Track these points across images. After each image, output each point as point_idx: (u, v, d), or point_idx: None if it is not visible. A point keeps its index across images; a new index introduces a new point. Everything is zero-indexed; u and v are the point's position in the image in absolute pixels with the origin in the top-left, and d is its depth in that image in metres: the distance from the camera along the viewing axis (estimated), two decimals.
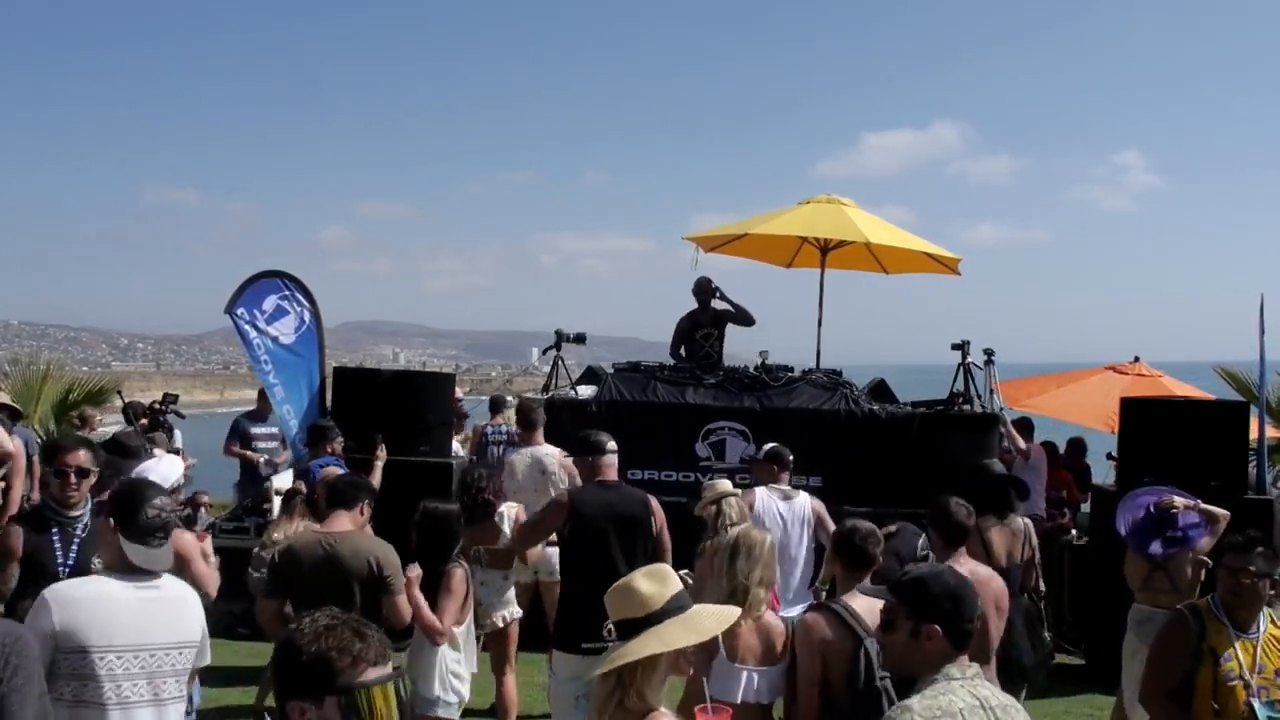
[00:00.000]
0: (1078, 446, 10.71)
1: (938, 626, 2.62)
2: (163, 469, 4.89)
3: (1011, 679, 5.22)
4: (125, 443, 5.62)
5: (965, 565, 4.58)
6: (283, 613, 4.43)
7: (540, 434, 6.94)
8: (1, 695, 2.23)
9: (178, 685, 3.29)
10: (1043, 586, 6.09)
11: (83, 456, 4.38)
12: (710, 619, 2.65)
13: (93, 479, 4.48)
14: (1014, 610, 5.51)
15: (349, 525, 4.49)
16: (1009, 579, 5.59)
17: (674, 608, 2.58)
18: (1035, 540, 5.88)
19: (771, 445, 6.41)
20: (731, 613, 2.75)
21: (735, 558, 4.14)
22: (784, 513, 5.99)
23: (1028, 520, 5.98)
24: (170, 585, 3.34)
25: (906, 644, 2.66)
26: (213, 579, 4.56)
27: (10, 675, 2.24)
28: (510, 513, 5.82)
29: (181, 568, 3.89)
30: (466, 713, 5.90)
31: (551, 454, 6.76)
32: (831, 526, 6.04)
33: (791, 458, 6.24)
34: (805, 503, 6.10)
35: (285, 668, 1.99)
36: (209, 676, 5.16)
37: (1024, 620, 5.59)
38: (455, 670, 4.95)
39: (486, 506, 5.73)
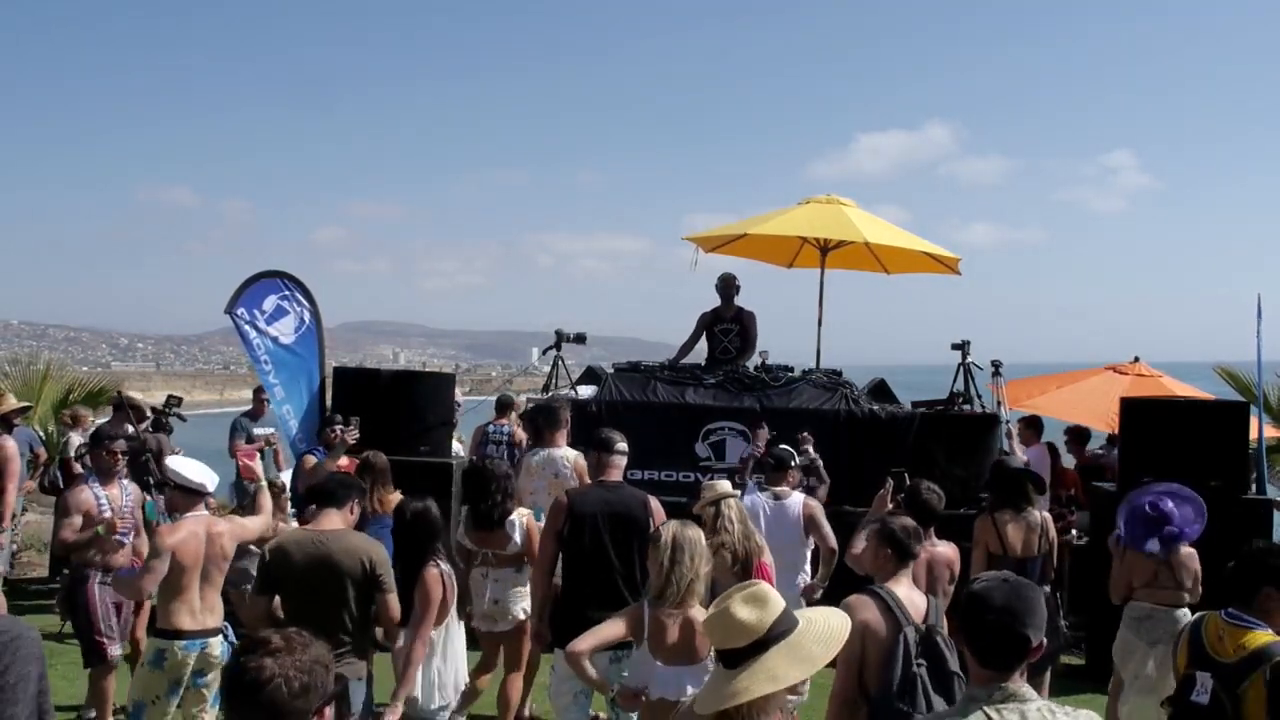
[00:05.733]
0: (1079, 436, 10.51)
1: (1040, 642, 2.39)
2: (204, 473, 4.94)
3: None
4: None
5: (928, 546, 5.16)
6: (270, 611, 4.38)
7: (561, 435, 6.76)
8: None
9: None
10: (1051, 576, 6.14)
11: None
12: (818, 644, 2.41)
13: None
14: None
15: (339, 524, 4.47)
16: (1026, 570, 5.74)
17: (779, 632, 2.39)
18: (1054, 534, 6.01)
19: (779, 449, 6.48)
20: (841, 631, 2.50)
21: (678, 558, 4.10)
22: (771, 510, 6.01)
23: (1046, 514, 6.08)
24: None
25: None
26: None
27: (2, 673, 2.23)
28: (520, 520, 5.77)
29: None
30: (470, 713, 5.90)
31: (567, 456, 6.61)
32: (826, 528, 6.06)
33: (795, 461, 6.24)
34: (797, 503, 6.09)
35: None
36: None
37: None
38: (439, 670, 4.97)
39: (504, 516, 5.69)
